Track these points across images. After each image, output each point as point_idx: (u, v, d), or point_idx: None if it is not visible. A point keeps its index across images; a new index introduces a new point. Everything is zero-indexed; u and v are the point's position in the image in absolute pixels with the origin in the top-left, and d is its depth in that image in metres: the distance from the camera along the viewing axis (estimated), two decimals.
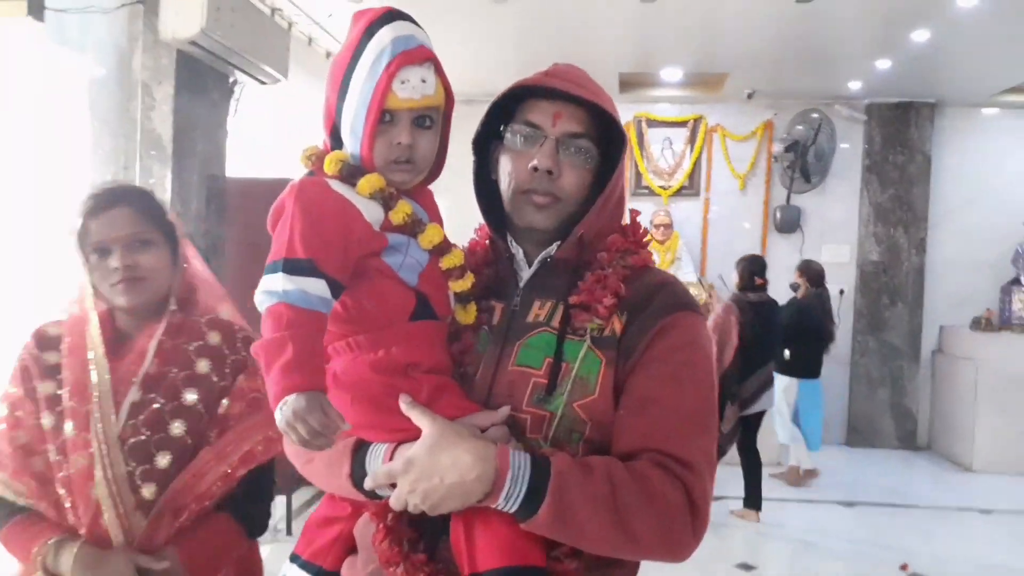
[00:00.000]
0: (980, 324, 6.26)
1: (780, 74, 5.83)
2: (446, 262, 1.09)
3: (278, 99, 4.38)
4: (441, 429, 0.98)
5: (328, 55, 5.43)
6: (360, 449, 1.06)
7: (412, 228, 1.07)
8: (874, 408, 6.67)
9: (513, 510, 0.95)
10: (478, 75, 6.04)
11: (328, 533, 1.17)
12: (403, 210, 1.06)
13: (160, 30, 3.18)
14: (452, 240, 1.15)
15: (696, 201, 6.76)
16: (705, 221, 6.76)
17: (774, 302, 4.82)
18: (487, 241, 1.20)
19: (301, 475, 1.17)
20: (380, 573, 1.06)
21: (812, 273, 5.36)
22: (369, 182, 1.05)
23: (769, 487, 4.97)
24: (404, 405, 1.01)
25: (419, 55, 1.04)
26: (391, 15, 1.05)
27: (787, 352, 5.18)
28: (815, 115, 6.44)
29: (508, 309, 1.13)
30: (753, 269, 4.71)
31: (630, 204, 4.98)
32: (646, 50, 5.45)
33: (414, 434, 1.00)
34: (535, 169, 1.09)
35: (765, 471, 4.74)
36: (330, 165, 1.05)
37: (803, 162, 6.41)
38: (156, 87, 3.26)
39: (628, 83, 6.11)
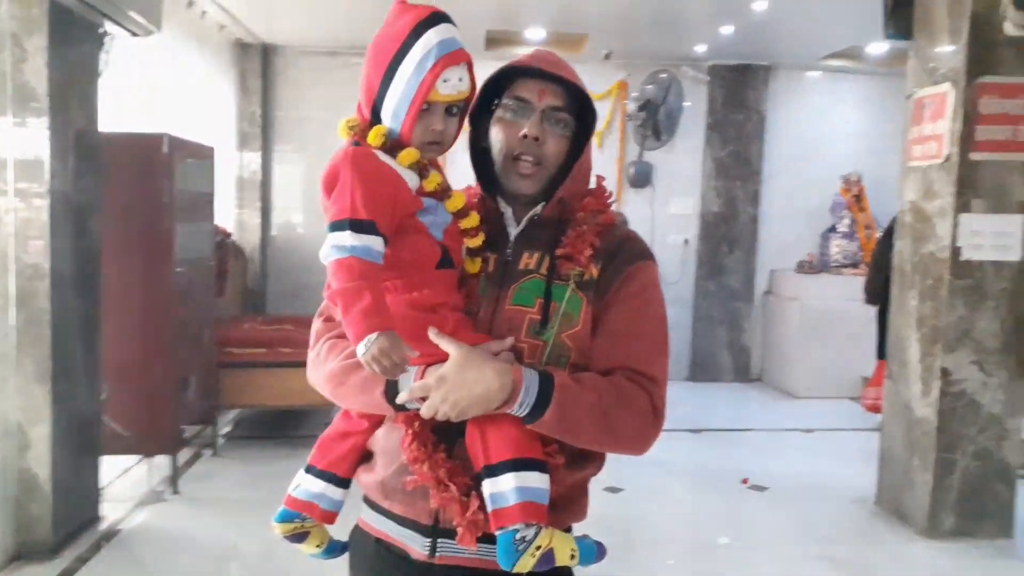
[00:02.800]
0: (803, 267, 7.03)
1: (634, 36, 6.20)
2: (465, 223, 1.31)
3: (144, 49, 4.23)
4: (467, 352, 1.20)
5: (190, 3, 5.25)
6: None
7: (441, 194, 1.28)
8: (714, 345, 7.36)
9: (524, 414, 1.19)
10: (344, 28, 6.04)
11: (344, 445, 1.37)
12: (435, 179, 1.27)
13: None
14: None
15: None
16: None
17: None
18: (476, 200, 1.39)
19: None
20: (405, 471, 1.29)
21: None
22: (408, 155, 1.23)
23: None
24: (432, 335, 1.21)
25: (460, 57, 1.23)
26: (437, 17, 1.23)
27: None
28: (663, 75, 6.89)
29: (501, 259, 1.35)
30: None
31: None
32: (511, 9, 5.64)
33: (439, 358, 1.21)
34: (524, 136, 1.29)
35: None
36: (374, 138, 1.23)
37: (655, 121, 6.87)
38: (27, 38, 3.10)
39: (495, 40, 6.29)
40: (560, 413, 1.19)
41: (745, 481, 4.64)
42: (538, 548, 1.18)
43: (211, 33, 5.91)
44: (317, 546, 1.43)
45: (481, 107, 1.36)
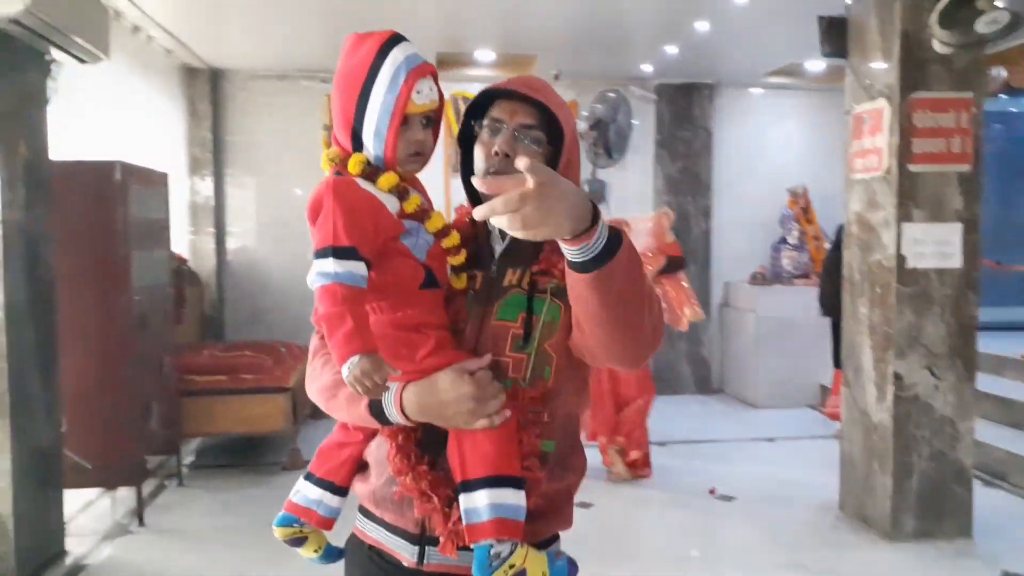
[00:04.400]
0: (756, 279, 7.18)
1: (582, 56, 6.32)
2: (446, 242, 1.33)
3: (92, 76, 4.17)
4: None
5: (135, 29, 5.19)
6: None
7: (421, 215, 1.31)
8: (675, 358, 7.46)
9: (597, 251, 1.05)
10: (293, 52, 6.04)
11: (341, 455, 1.41)
12: (414, 201, 1.30)
13: None
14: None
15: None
16: None
17: None
18: (467, 219, 1.42)
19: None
20: (394, 481, 1.32)
21: None
22: (387, 180, 1.27)
23: None
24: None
25: (427, 69, 1.28)
26: (398, 38, 1.28)
27: None
28: (612, 94, 7.01)
29: (487, 276, 1.38)
30: None
31: (453, 180, 5.30)
32: (459, 32, 5.71)
33: (419, 376, 1.25)
34: (496, 153, 1.31)
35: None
36: (354, 166, 1.27)
37: (606, 139, 6.98)
38: None
39: (445, 62, 6.35)
40: (626, 259, 1.08)
41: (712, 491, 4.70)
42: (511, 566, 1.21)
43: (158, 58, 5.84)
44: (315, 551, 1.48)
45: (466, 131, 1.40)
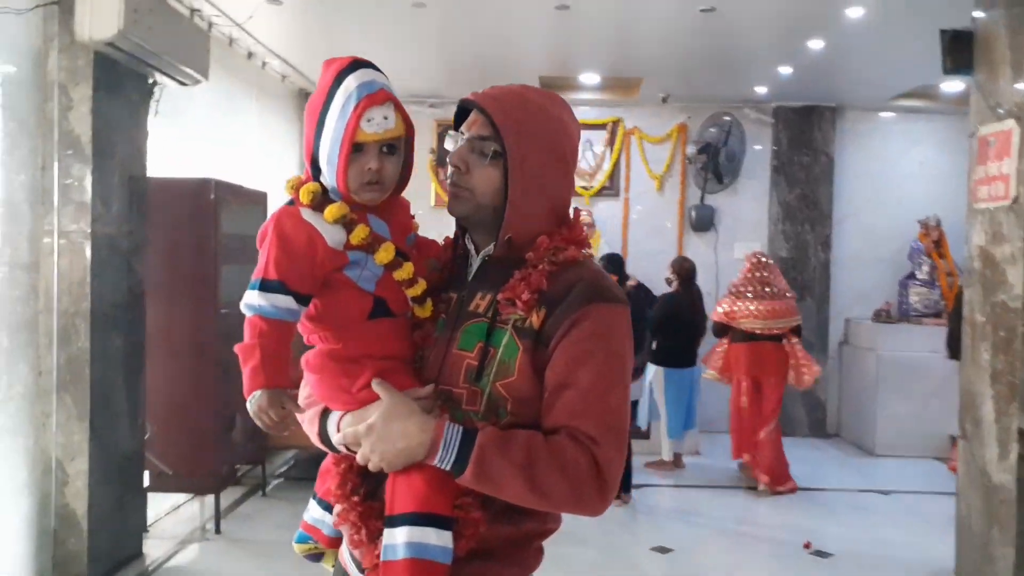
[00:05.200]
0: (880, 316, 6.65)
1: (692, 79, 6.10)
2: (398, 275, 1.30)
3: (204, 98, 4.39)
4: (396, 402, 1.20)
5: (250, 55, 5.45)
6: (325, 414, 1.32)
7: (369, 247, 1.28)
8: (788, 398, 6.97)
9: (447, 469, 1.17)
10: (401, 78, 6.15)
11: (334, 475, 1.41)
12: (359, 234, 1.27)
13: (76, 31, 3.16)
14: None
15: (617, 201, 7.00)
16: (625, 220, 7.00)
17: (638, 295, 5.17)
18: (448, 238, 1.40)
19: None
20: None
21: (683, 270, 5.64)
22: (332, 212, 1.25)
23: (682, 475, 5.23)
24: (374, 383, 1.23)
25: (380, 97, 1.25)
26: (356, 64, 1.27)
27: (654, 342, 5.55)
28: (726, 118, 6.75)
29: (457, 299, 1.32)
30: (608, 267, 5.01)
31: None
32: (564, 55, 5.64)
33: (359, 407, 1.24)
34: (453, 165, 1.29)
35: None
36: (304, 195, 1.27)
37: (715, 163, 6.71)
38: (73, 88, 3.25)
39: (549, 86, 6.25)
40: (480, 471, 1.15)
41: (807, 545, 4.33)
42: None
43: (274, 84, 6.11)
44: (332, 565, 1.49)
45: None
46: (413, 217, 1.42)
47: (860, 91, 6.40)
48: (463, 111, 1.33)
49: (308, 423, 1.34)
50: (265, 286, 1.21)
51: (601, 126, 6.90)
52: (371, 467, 1.20)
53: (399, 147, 1.30)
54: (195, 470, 4.09)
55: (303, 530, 1.48)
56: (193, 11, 4.37)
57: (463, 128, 1.30)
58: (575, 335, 1.19)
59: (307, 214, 1.26)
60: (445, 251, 1.42)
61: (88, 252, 3.32)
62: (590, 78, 6.18)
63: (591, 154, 6.94)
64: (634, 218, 7.01)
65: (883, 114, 6.98)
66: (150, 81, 3.73)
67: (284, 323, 1.22)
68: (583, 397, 1.18)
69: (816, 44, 5.07)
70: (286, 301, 1.21)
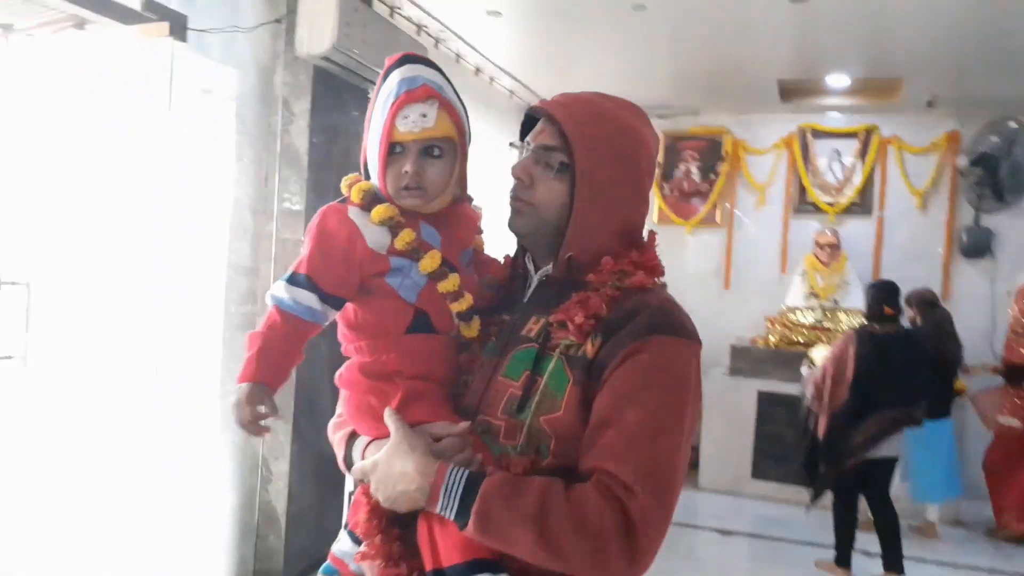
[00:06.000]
0: None
1: (965, 79, 5.23)
2: (443, 286, 1.21)
3: None
4: (400, 439, 1.11)
5: (477, 71, 5.51)
6: (352, 439, 1.26)
7: (414, 254, 1.21)
8: None
9: (451, 519, 1.05)
10: (627, 85, 5.92)
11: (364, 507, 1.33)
12: (405, 238, 1.21)
13: (297, 47, 3.31)
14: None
15: (867, 220, 6.21)
16: (878, 242, 6.18)
17: (908, 335, 4.13)
18: (512, 256, 1.31)
19: None
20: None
21: (919, 300, 4.73)
22: (379, 212, 1.20)
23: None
24: (386, 414, 1.15)
25: (420, 93, 1.18)
26: (404, 59, 1.22)
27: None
28: (1012, 124, 5.73)
29: (509, 323, 1.22)
30: (881, 296, 4.04)
31: (793, 222, 4.59)
32: (807, 55, 5.08)
33: (387, 432, 1.14)
34: (515, 177, 1.20)
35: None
36: (355, 194, 1.23)
37: (995, 178, 5.71)
38: (295, 102, 3.40)
39: (792, 91, 5.73)
40: (483, 523, 1.02)
41: None
42: None
43: (501, 100, 6.16)
44: None
45: None
46: (481, 232, 1.33)
47: None
48: (531, 120, 1.25)
49: (336, 445, 1.30)
50: (293, 279, 1.19)
51: (851, 134, 6.17)
52: (382, 506, 1.13)
53: (446, 151, 1.21)
54: None
55: (330, 562, 1.38)
56: (420, 27, 4.47)
57: (529, 138, 1.21)
58: (628, 369, 1.06)
59: (353, 212, 1.21)
60: (504, 270, 1.33)
61: None
62: (839, 80, 5.52)
63: (839, 165, 6.22)
64: (888, 239, 6.16)
65: None
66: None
67: (300, 320, 1.18)
68: (626, 439, 1.02)
69: None
70: (308, 298, 1.18)
